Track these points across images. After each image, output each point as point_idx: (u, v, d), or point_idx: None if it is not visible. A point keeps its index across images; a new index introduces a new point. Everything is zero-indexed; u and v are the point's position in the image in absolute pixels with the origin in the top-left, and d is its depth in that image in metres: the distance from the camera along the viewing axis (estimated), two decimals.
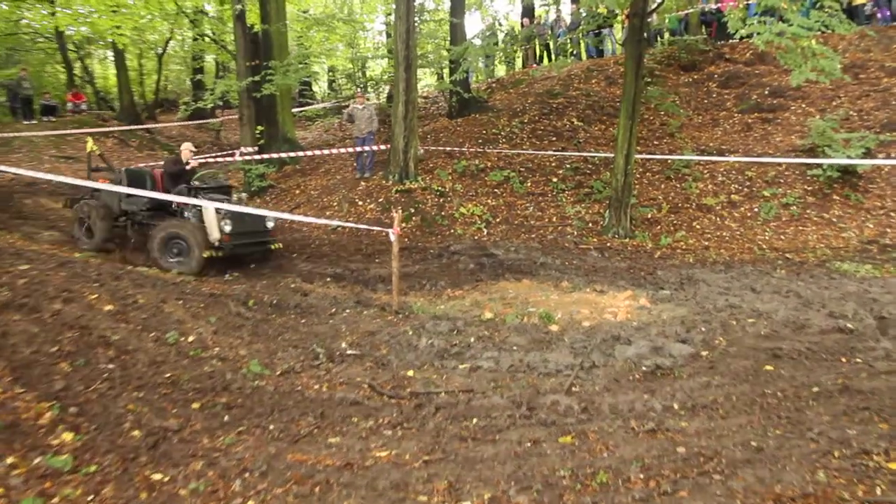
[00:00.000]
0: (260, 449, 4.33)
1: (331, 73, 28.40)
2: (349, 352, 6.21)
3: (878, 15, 17.71)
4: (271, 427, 4.71)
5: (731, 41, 17.97)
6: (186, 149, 10.49)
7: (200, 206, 9.35)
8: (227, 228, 9.13)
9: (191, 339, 6.00)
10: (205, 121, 23.56)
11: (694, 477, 3.79)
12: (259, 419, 4.79)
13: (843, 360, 5.65)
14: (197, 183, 10.11)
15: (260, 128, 16.15)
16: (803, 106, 15.37)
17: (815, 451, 4.02)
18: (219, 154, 17.96)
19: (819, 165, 12.62)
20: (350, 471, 4.05)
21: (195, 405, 4.86)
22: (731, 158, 13.68)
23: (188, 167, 10.28)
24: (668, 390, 5.15)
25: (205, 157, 17.01)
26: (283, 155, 15.42)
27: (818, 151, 12.93)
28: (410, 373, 5.71)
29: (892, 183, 12.57)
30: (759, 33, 8.86)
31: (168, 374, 5.19)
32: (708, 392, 5.10)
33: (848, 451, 3.99)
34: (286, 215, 11.32)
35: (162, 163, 11.44)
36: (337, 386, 5.44)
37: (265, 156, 15.09)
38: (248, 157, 15.08)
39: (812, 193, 12.51)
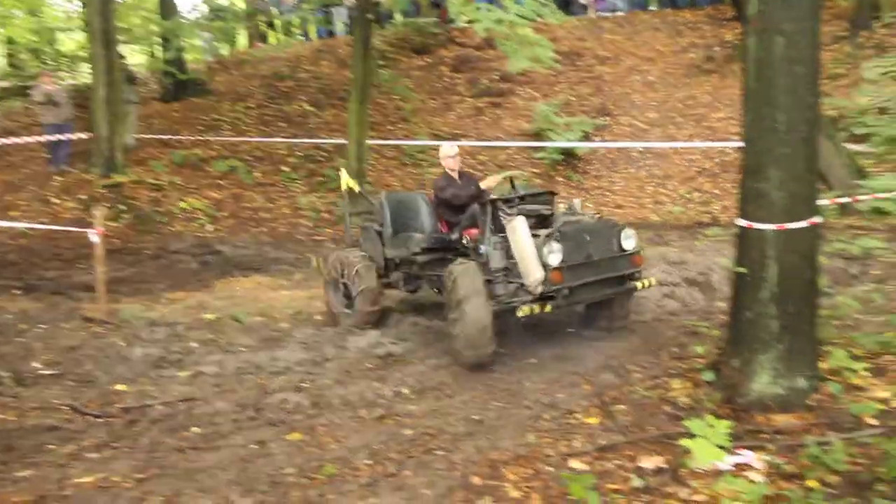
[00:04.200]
0: None
1: (9, 46, 25.39)
2: (43, 371, 5.80)
3: (598, 7, 20.26)
4: None
5: (461, 25, 19.31)
6: (449, 155, 6.93)
7: (501, 235, 5.87)
8: (555, 259, 5.50)
9: None
10: None
11: (419, 456, 4.18)
12: None
13: None
14: (496, 194, 6.35)
15: None
16: (529, 91, 17.10)
17: (528, 417, 4.65)
18: None
19: (544, 148, 14.21)
20: None
21: None
22: (465, 143, 14.79)
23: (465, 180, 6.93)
24: (398, 376, 5.57)
25: None
26: None
27: (543, 135, 14.54)
28: (121, 387, 5.50)
29: (606, 164, 14.55)
30: (478, 20, 9.75)
31: None
32: (437, 374, 5.61)
33: (556, 413, 4.67)
34: None
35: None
36: (28, 412, 5.05)
37: None
38: None
39: (539, 175, 14.01)
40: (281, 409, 5.04)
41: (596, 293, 5.87)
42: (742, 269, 4.23)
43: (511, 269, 5.72)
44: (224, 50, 22.20)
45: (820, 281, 4.63)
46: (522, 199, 6.03)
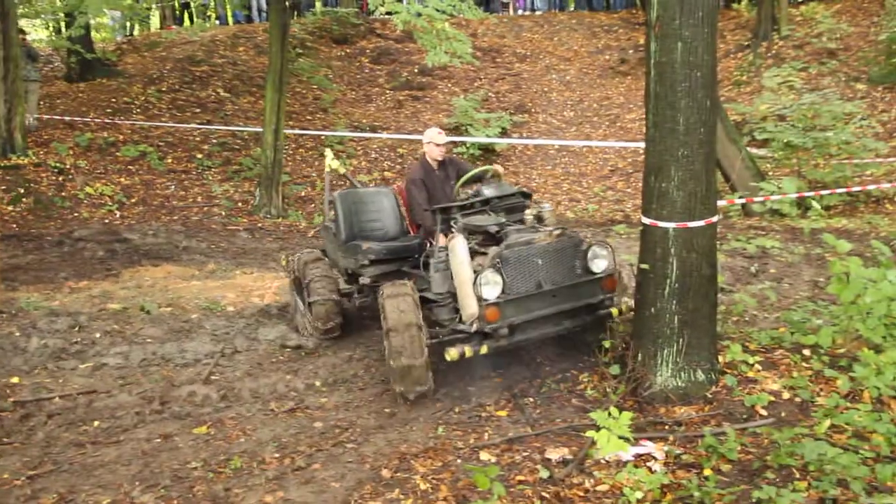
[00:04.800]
0: None
1: None
2: None
3: (518, 4, 20.51)
4: None
5: (381, 16, 19.21)
6: (435, 142, 5.90)
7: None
8: (491, 292, 4.57)
9: None
10: None
11: (328, 448, 4.15)
12: None
13: None
14: (462, 197, 5.41)
15: None
16: (449, 85, 17.17)
17: (440, 410, 4.67)
18: None
19: (463, 143, 14.28)
20: None
21: None
22: (384, 135, 14.74)
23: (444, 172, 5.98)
24: (310, 368, 5.52)
25: None
26: None
27: (462, 130, 14.61)
28: (15, 380, 5.25)
29: (524, 161, 14.74)
30: (397, 12, 9.72)
31: None
32: (349, 367, 5.57)
33: (467, 405, 4.70)
34: None
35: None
36: None
37: None
38: None
39: None
40: (188, 401, 4.92)
41: (550, 328, 4.90)
42: (645, 266, 4.36)
43: (454, 295, 4.82)
44: (136, 30, 21.39)
45: (720, 278, 4.82)
46: (487, 202, 5.11)
